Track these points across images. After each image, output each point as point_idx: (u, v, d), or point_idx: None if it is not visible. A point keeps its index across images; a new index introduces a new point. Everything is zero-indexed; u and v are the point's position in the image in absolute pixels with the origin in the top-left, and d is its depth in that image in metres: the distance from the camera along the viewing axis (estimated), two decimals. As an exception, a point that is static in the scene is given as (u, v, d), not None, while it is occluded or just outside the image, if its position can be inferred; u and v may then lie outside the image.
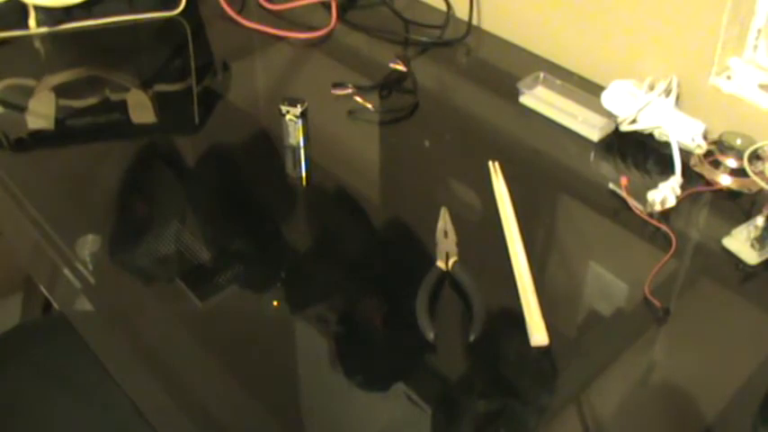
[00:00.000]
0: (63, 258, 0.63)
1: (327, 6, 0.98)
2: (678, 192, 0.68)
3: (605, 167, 0.74)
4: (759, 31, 0.73)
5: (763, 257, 0.62)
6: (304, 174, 0.73)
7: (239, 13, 0.98)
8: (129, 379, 0.54)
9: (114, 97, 0.83)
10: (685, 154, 0.72)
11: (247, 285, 0.61)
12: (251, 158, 0.75)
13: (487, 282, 0.61)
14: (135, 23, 0.97)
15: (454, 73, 0.91)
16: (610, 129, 0.77)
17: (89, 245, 0.65)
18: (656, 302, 0.58)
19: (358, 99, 0.81)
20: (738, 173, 0.70)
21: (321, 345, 0.57)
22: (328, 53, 0.93)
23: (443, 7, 0.96)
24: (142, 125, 0.80)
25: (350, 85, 0.82)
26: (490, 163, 0.72)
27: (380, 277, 0.62)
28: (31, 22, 0.93)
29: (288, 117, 0.73)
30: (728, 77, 0.75)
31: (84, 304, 0.60)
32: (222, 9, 0.98)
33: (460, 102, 0.85)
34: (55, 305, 0.62)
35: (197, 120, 0.81)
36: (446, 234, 0.63)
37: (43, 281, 0.64)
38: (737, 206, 0.69)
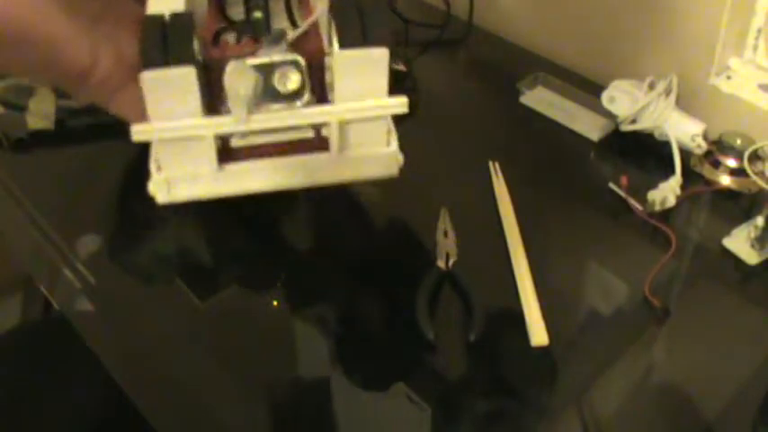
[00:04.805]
0: (63, 258, 0.63)
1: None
2: (678, 192, 0.68)
3: (605, 167, 0.74)
4: (759, 31, 0.73)
5: (763, 257, 0.62)
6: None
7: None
8: (130, 379, 0.54)
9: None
10: (685, 154, 0.72)
11: (247, 285, 0.61)
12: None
13: (487, 282, 0.61)
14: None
15: (454, 73, 0.91)
16: (610, 129, 0.77)
17: (89, 245, 0.65)
18: (656, 302, 0.58)
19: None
20: (738, 173, 0.70)
21: (321, 345, 0.57)
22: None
23: (443, 7, 0.96)
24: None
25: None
26: (490, 163, 0.72)
27: (380, 277, 0.62)
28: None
29: None
30: (728, 77, 0.75)
31: (84, 304, 0.60)
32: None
33: (460, 102, 0.85)
34: (55, 305, 0.62)
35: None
36: (446, 234, 0.63)
37: (43, 281, 0.64)
38: (737, 206, 0.69)
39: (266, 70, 0.34)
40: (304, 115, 0.36)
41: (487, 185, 0.70)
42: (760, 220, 0.62)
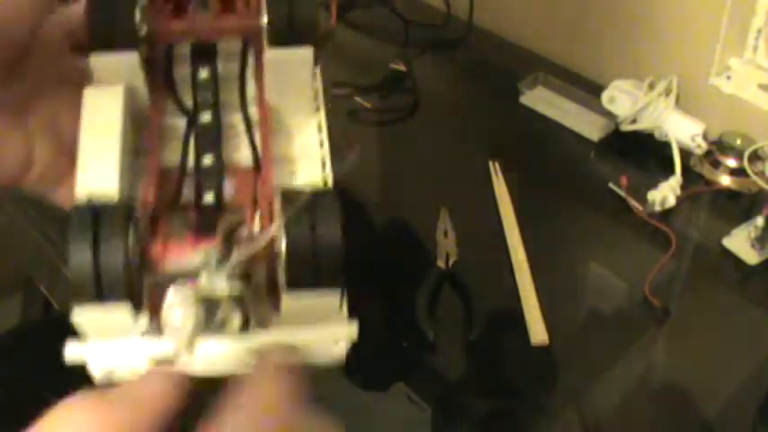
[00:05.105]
0: (63, 258, 0.63)
1: (327, 6, 0.98)
2: (678, 192, 0.68)
3: (605, 167, 0.74)
4: (759, 31, 0.73)
5: (763, 257, 0.62)
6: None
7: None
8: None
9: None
10: (685, 154, 0.72)
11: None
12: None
13: (487, 282, 0.61)
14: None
15: (454, 73, 0.91)
16: (610, 129, 0.77)
17: None
18: (656, 302, 0.58)
19: (357, 99, 0.81)
20: (738, 173, 0.70)
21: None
22: (328, 53, 0.93)
23: (443, 7, 0.96)
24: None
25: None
26: (490, 163, 0.72)
27: (380, 277, 0.62)
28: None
29: None
30: (728, 77, 0.75)
31: (85, 304, 0.60)
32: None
33: (460, 102, 0.85)
34: (55, 305, 0.62)
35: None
36: (446, 234, 0.63)
37: (43, 281, 0.64)
38: (737, 206, 0.69)
39: (208, 307, 0.32)
40: (248, 346, 0.34)
41: (487, 185, 0.70)
42: (760, 220, 0.62)
